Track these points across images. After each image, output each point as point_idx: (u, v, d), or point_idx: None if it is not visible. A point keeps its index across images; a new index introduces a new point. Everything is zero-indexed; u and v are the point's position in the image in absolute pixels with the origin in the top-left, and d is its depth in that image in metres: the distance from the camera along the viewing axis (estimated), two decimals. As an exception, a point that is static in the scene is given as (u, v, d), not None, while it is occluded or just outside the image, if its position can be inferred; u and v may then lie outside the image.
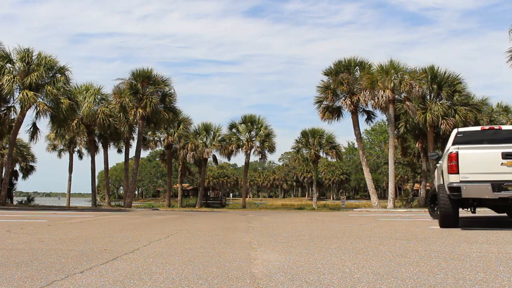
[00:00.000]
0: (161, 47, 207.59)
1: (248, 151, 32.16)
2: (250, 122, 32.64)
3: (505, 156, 7.25)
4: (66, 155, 36.25)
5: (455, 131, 8.82)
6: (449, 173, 7.43)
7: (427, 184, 30.34)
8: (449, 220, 7.77)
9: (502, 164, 7.26)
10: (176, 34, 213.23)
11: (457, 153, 7.41)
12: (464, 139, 8.13)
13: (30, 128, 22.53)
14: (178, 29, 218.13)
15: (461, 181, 7.27)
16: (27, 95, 19.42)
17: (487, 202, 7.91)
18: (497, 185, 7.15)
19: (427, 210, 12.28)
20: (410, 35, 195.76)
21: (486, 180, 7.22)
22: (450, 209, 7.70)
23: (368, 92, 22.81)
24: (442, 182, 8.24)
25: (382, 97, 22.11)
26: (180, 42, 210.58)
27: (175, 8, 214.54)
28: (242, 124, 32.81)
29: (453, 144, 7.96)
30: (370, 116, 26.57)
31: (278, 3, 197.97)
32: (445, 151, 8.59)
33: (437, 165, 10.01)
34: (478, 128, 9.17)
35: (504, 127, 8.82)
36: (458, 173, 7.35)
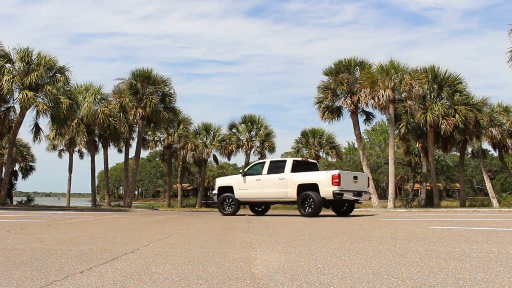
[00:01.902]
0: (162, 47, 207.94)
1: (248, 151, 32.16)
2: (250, 122, 32.63)
3: (354, 177, 12.82)
4: (66, 155, 36.26)
5: (290, 160, 13.49)
6: (334, 185, 11.91)
7: (427, 184, 30.36)
8: (319, 212, 12.31)
9: (353, 182, 12.63)
10: (177, 34, 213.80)
11: (339, 174, 12.08)
12: (296, 167, 13.25)
13: (32, 128, 22.55)
14: (178, 29, 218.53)
15: (341, 190, 11.96)
16: (26, 95, 19.42)
17: (349, 202, 13.13)
18: (357, 193, 12.57)
19: (217, 208, 14.69)
20: (411, 35, 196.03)
21: (349, 190, 12.26)
22: (322, 206, 12.32)
23: (368, 92, 22.80)
24: (280, 190, 12.90)
25: (382, 96, 22.10)
26: (181, 42, 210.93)
27: (176, 8, 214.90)
28: (242, 124, 32.81)
29: (292, 170, 13.02)
30: (369, 117, 26.57)
31: (279, 3, 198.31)
32: (273, 173, 13.23)
33: (260, 177, 13.47)
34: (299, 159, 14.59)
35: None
36: (339, 185, 11.95)
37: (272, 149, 32.51)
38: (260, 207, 14.86)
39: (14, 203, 31.77)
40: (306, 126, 61.10)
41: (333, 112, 25.88)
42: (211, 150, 32.55)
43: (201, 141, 32.85)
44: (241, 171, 14.30)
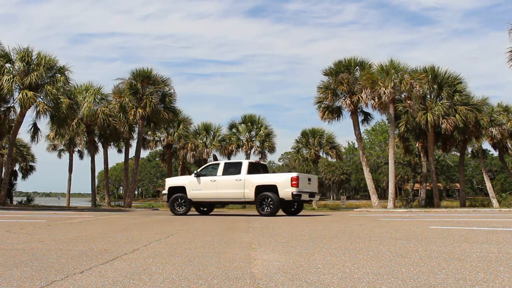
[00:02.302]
0: (162, 47, 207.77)
1: (248, 151, 32.14)
2: (250, 122, 32.62)
3: (308, 179, 13.76)
4: (66, 155, 36.26)
5: (246, 162, 14.07)
6: (293, 186, 12.75)
7: (427, 184, 30.36)
8: (277, 211, 13.08)
9: (308, 184, 13.59)
10: (177, 34, 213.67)
11: (298, 176, 12.96)
12: (251, 169, 13.95)
13: (31, 129, 22.54)
14: (179, 29, 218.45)
15: (299, 191, 12.82)
16: (26, 95, 19.42)
17: (304, 202, 14.14)
18: (311, 194, 13.72)
19: (169, 208, 14.95)
20: (411, 35, 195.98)
21: (305, 191, 13.19)
22: (280, 206, 13.26)
23: (368, 92, 22.79)
24: (237, 191, 13.50)
25: (384, 93, 22.08)
26: (181, 42, 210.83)
27: (177, 8, 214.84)
28: (242, 124, 32.79)
29: (248, 172, 13.65)
30: (367, 117, 26.55)
31: (280, 3, 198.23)
32: (229, 174, 13.79)
33: (216, 178, 13.95)
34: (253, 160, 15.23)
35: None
36: (298, 187, 12.79)
37: (272, 149, 32.50)
38: (205, 207, 15.23)
39: (14, 203, 31.76)
40: (307, 126, 61.17)
41: (333, 112, 25.87)
42: (211, 150, 32.53)
43: (201, 141, 32.83)
44: (198, 171, 14.54)
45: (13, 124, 21.96)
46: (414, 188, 41.62)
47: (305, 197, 13.26)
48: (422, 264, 3.73)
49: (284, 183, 13.00)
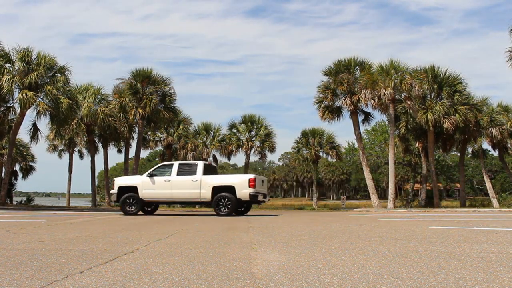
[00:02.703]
0: (163, 47, 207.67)
1: (248, 151, 32.15)
2: (250, 122, 32.62)
3: (261, 181, 14.32)
4: (66, 155, 36.27)
5: (201, 163, 14.22)
6: (250, 187, 13.16)
7: (427, 184, 30.36)
8: (234, 212, 13.47)
9: (261, 185, 14.15)
10: (178, 34, 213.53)
11: (255, 178, 13.46)
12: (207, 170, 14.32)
13: (31, 129, 22.53)
14: (179, 29, 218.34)
15: (256, 192, 13.30)
16: (26, 95, 19.41)
17: (256, 202, 14.05)
18: (263, 195, 14.06)
19: (120, 207, 14.78)
20: (411, 35, 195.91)
21: (260, 192, 13.65)
22: (237, 206, 13.58)
23: (368, 92, 22.78)
24: (193, 191, 13.65)
25: (384, 94, 22.08)
26: (182, 42, 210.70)
27: (177, 8, 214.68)
28: (242, 124, 32.80)
29: (204, 173, 13.84)
30: (368, 117, 26.55)
31: (280, 3, 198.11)
32: (184, 175, 13.91)
33: (170, 178, 14.04)
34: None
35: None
36: (255, 188, 13.28)
37: (272, 149, 32.51)
38: (150, 207, 15.30)
39: (14, 203, 31.76)
40: (307, 126, 61.21)
41: (333, 112, 25.86)
42: (211, 150, 32.54)
43: (201, 141, 32.84)
44: (151, 171, 14.55)
45: (13, 124, 21.97)
46: (414, 188, 41.63)
47: (260, 197, 13.71)
48: (422, 264, 3.73)
49: (241, 184, 13.37)
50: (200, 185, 13.66)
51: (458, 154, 33.15)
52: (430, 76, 24.60)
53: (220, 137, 32.97)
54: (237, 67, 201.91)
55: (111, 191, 15.02)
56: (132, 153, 29.69)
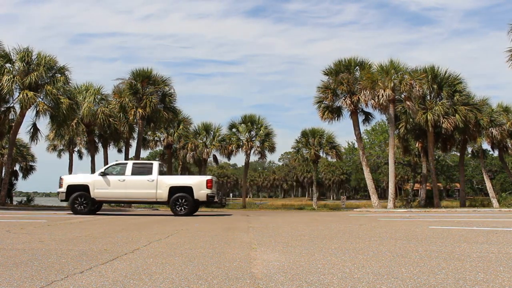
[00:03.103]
0: (163, 47, 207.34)
1: (248, 151, 32.15)
2: (250, 122, 32.62)
3: (215, 182, 14.44)
4: (66, 155, 36.23)
5: (156, 163, 14.26)
6: (208, 188, 13.46)
7: (427, 184, 30.36)
8: (191, 212, 13.65)
9: (215, 186, 14.38)
10: (178, 34, 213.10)
11: (212, 179, 13.78)
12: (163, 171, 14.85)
13: (30, 129, 22.51)
14: (179, 29, 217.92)
15: (212, 193, 13.60)
16: (27, 95, 19.40)
17: (212, 202, 14.30)
18: (216, 195, 13.95)
19: (69, 207, 14.33)
20: (412, 35, 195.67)
21: (215, 193, 14.02)
22: (193, 206, 13.75)
23: (368, 92, 22.78)
24: (149, 191, 13.60)
25: (382, 96, 22.09)
26: (182, 42, 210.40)
27: (177, 8, 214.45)
28: (242, 124, 32.80)
29: (159, 174, 13.93)
30: (368, 117, 26.54)
31: (280, 3, 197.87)
32: (139, 175, 13.84)
33: (125, 178, 13.85)
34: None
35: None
36: (212, 188, 13.60)
37: (272, 149, 32.51)
38: (94, 206, 14.87)
39: (14, 203, 31.74)
40: (307, 126, 61.20)
41: (333, 112, 25.85)
42: (211, 150, 32.54)
43: (201, 141, 32.83)
44: (103, 170, 14.27)
45: (13, 124, 21.95)
46: (414, 188, 41.60)
47: (215, 198, 14.10)
48: (422, 264, 3.73)
49: (199, 185, 13.57)
50: (157, 185, 13.63)
51: (458, 154, 33.15)
52: (430, 76, 24.59)
53: (220, 137, 32.97)
54: (237, 67, 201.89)
55: (59, 190, 14.39)
56: (132, 153, 29.69)
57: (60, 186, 14.18)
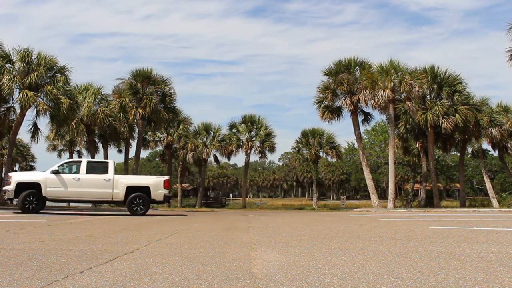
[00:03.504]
0: (163, 47, 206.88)
1: (248, 151, 32.17)
2: (250, 122, 32.64)
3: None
4: (66, 155, 36.26)
5: (112, 162, 14.01)
6: (165, 188, 13.63)
7: (427, 184, 30.36)
8: (147, 211, 13.65)
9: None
10: (178, 34, 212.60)
11: (169, 179, 14.21)
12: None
13: (31, 129, 22.50)
14: (179, 29, 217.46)
15: (169, 193, 14.13)
16: (27, 95, 19.40)
17: (167, 202, 15.23)
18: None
19: (18, 206, 13.90)
20: (412, 35, 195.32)
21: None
22: (149, 205, 13.72)
23: (368, 92, 22.78)
24: (106, 190, 13.39)
25: (382, 96, 22.09)
26: (182, 42, 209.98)
27: (177, 8, 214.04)
28: (242, 124, 32.82)
29: (115, 172, 13.80)
30: (367, 117, 26.56)
31: (280, 3, 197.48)
32: (94, 173, 13.51)
33: (79, 176, 13.44)
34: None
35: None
36: (168, 189, 13.80)
37: (272, 149, 32.53)
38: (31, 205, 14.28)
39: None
40: (307, 126, 61.18)
41: (333, 112, 25.87)
42: (211, 150, 32.55)
43: (201, 141, 32.84)
44: (55, 168, 13.58)
45: (13, 124, 21.94)
46: (414, 188, 41.60)
47: (171, 199, 14.46)
48: (422, 264, 3.73)
49: (157, 185, 13.64)
50: (113, 184, 13.44)
51: (458, 154, 33.14)
52: (429, 76, 24.60)
53: (220, 137, 32.98)
54: (237, 67, 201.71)
55: (6, 187, 13.62)
56: (132, 153, 29.71)
57: (8, 184, 13.52)
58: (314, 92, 31.72)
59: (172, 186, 46.77)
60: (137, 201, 13.40)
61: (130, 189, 13.51)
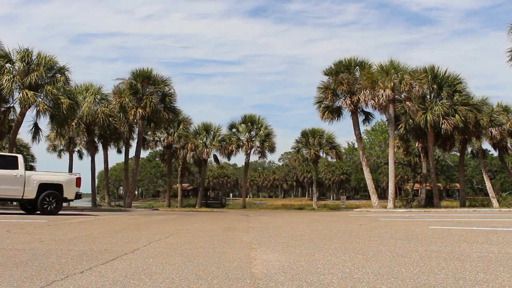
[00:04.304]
0: (163, 47, 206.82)
1: (248, 151, 32.19)
2: (250, 122, 32.66)
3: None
4: (66, 155, 36.30)
5: (21, 156, 12.99)
6: (77, 186, 13.42)
7: (427, 184, 30.36)
8: (60, 210, 13.20)
9: None
10: (178, 34, 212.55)
11: (80, 177, 13.76)
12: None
13: (32, 128, 22.53)
14: (180, 29, 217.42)
15: (80, 192, 13.83)
16: (27, 95, 19.41)
17: (77, 199, 14.21)
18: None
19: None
20: (412, 35, 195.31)
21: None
22: (62, 203, 13.29)
23: (368, 92, 22.79)
24: (16, 187, 12.32)
25: (382, 96, 22.10)
26: (182, 42, 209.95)
27: (177, 8, 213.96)
28: (242, 124, 32.84)
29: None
30: (367, 117, 26.58)
31: (280, 3, 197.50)
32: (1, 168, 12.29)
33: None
34: None
35: None
36: (80, 187, 13.65)
37: (272, 149, 32.56)
38: None
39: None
40: (307, 126, 61.20)
41: (333, 112, 25.88)
42: (211, 150, 32.57)
43: (201, 141, 32.86)
44: None
45: (13, 124, 21.96)
46: (414, 188, 41.60)
47: (81, 197, 14.05)
48: (422, 264, 3.73)
49: (69, 183, 13.23)
50: (24, 181, 12.43)
51: (458, 154, 33.15)
52: (429, 76, 24.61)
53: (220, 137, 33.01)
54: (237, 67, 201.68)
55: None
56: (132, 153, 29.73)
57: None
58: (314, 92, 31.78)
59: (172, 186, 46.85)
60: (49, 200, 12.62)
61: (42, 187, 12.68)
